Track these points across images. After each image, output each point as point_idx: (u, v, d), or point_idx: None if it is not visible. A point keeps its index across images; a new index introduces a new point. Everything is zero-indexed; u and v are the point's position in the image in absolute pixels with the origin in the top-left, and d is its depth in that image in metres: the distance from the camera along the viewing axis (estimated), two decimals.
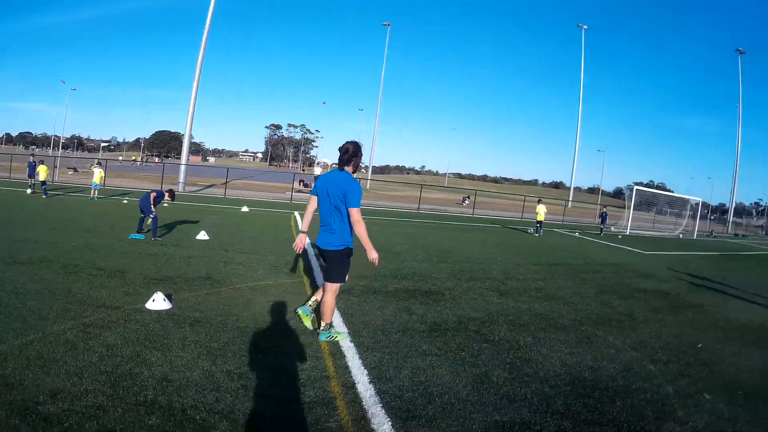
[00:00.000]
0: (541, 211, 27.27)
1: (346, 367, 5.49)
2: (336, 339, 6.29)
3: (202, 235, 13.38)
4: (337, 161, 6.08)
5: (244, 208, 23.03)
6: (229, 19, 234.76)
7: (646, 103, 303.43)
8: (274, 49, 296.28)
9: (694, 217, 50.11)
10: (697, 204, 50.49)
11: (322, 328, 6.28)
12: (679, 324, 9.84)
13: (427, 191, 61.08)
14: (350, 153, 5.99)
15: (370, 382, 5.13)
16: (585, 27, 67.80)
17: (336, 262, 6.09)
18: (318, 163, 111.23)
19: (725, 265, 23.21)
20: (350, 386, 5.00)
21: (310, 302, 6.59)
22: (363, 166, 65.93)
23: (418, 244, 17.09)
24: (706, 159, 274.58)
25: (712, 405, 5.96)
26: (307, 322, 6.50)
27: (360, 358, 5.80)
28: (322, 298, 6.29)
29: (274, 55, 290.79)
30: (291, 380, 5.04)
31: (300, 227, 6.25)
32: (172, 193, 13.38)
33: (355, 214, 5.81)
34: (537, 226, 27.36)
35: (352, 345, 6.20)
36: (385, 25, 78.90)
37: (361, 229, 5.85)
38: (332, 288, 6.19)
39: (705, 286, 15.16)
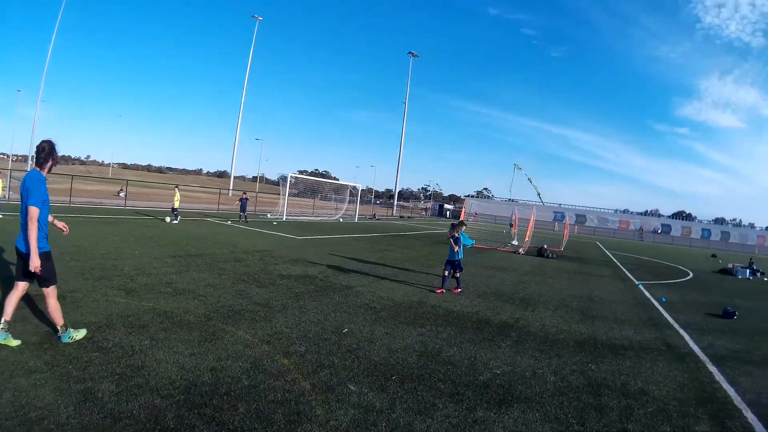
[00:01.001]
0: (177, 199, 27.86)
1: None
2: (76, 338, 6.53)
3: None
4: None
5: None
6: None
7: (314, 96, 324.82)
8: None
9: (354, 201, 53.71)
10: (356, 189, 54.21)
11: (60, 332, 6.45)
12: (322, 309, 9.75)
13: (85, 183, 57.83)
14: (46, 152, 6.13)
15: None
16: (260, 19, 70.58)
17: (25, 262, 6.06)
18: None
19: (381, 246, 25.17)
20: None
21: (1, 324, 6.25)
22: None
23: (54, 242, 14.52)
24: (373, 149, 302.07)
25: (359, 396, 5.66)
26: (12, 343, 6.27)
27: None
28: (46, 304, 6.42)
29: None
30: None
31: None
32: None
33: (31, 211, 5.90)
34: (174, 214, 27.61)
35: None
36: None
37: (32, 228, 5.91)
38: (50, 292, 6.35)
39: (357, 269, 15.77)
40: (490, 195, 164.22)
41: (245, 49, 74.16)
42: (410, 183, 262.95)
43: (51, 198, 6.55)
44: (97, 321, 7.59)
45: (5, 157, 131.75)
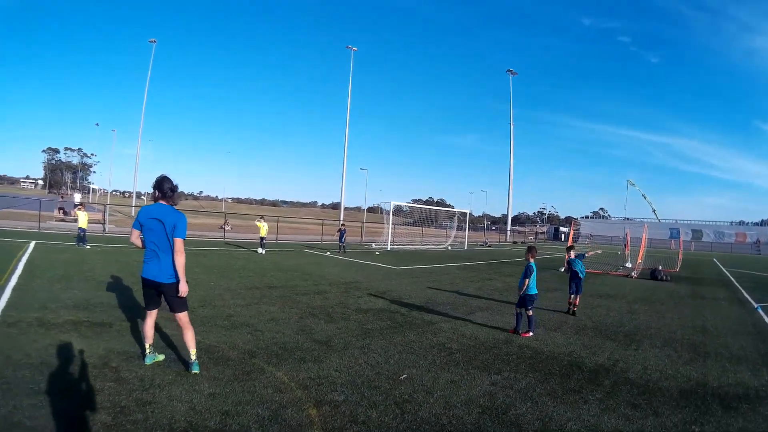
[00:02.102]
0: (263, 228, 28.74)
1: None
2: (158, 358, 7.15)
3: None
4: (153, 193, 6.76)
5: None
6: None
7: (421, 124, 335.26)
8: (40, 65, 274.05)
9: (462, 228, 52.68)
10: (464, 215, 53.34)
11: (195, 358, 6.82)
12: (388, 349, 8.72)
13: (194, 217, 62.35)
14: (175, 188, 6.78)
15: None
16: (354, 49, 71.01)
17: (174, 295, 6.71)
18: (78, 190, 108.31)
19: (484, 274, 24.05)
20: None
21: (148, 348, 7.12)
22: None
23: (134, 273, 15.13)
24: (485, 174, 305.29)
25: None
26: (159, 358, 7.26)
27: None
28: (183, 334, 6.85)
29: (42, 73, 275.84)
30: None
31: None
32: None
33: (180, 244, 6.64)
34: (262, 244, 28.36)
35: None
36: (152, 42, 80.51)
37: (181, 259, 6.66)
38: (186, 319, 6.83)
39: (447, 301, 14.67)
40: (606, 215, 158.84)
41: (346, 80, 74.96)
42: (526, 207, 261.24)
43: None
44: (134, 351, 7.50)
45: (115, 193, 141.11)
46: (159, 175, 6.82)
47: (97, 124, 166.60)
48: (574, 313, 13.56)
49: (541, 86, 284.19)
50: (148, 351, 7.07)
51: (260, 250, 27.44)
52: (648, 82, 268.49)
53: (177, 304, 6.74)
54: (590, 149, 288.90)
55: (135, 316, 9.77)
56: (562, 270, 26.80)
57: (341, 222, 36.07)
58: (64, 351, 7.27)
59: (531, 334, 10.59)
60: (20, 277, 13.14)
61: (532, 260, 10.82)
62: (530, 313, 10.72)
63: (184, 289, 6.67)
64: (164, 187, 6.67)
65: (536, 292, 10.83)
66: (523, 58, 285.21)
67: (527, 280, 10.60)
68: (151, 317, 7.03)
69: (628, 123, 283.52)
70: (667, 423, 6.18)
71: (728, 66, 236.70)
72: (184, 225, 6.70)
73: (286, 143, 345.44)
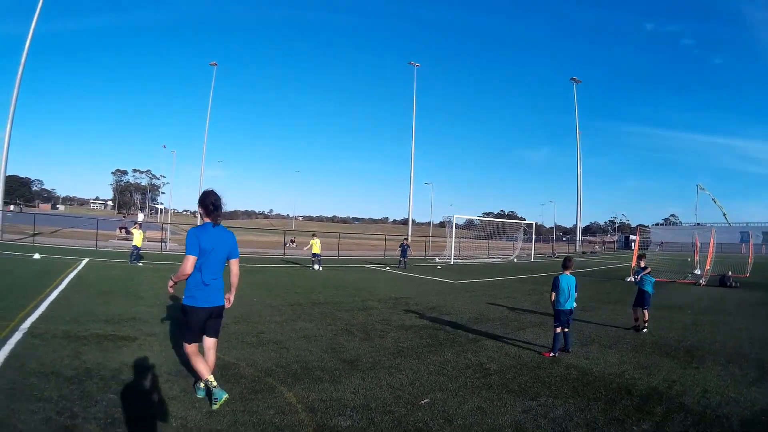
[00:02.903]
0: (316, 245, 28.57)
1: None
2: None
3: None
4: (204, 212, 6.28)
5: (36, 255, 23.77)
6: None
7: (488, 137, 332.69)
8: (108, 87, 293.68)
9: (529, 240, 52.06)
10: (530, 227, 52.75)
11: (216, 383, 6.04)
12: (417, 370, 8.10)
13: (262, 235, 67.27)
14: (216, 203, 6.26)
15: None
16: (417, 65, 71.26)
17: (221, 317, 6.47)
18: (141, 209, 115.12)
19: (546, 287, 22.63)
20: None
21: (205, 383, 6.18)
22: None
23: (175, 290, 15.54)
24: (556, 185, 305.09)
25: None
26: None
27: None
28: (208, 358, 6.30)
29: (112, 95, 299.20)
30: None
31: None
32: None
33: (238, 263, 6.59)
34: (317, 260, 28.43)
35: None
36: (212, 65, 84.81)
37: (238, 277, 6.65)
38: (216, 344, 6.50)
39: (499, 317, 13.91)
40: (677, 221, 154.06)
41: (411, 97, 73.78)
42: (597, 216, 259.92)
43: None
44: (149, 365, 7.45)
45: (186, 212, 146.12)
46: (205, 190, 6.35)
47: (164, 146, 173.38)
48: (644, 329, 12.50)
49: (606, 94, 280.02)
50: (214, 384, 5.99)
51: (316, 267, 27.59)
52: (713, 85, 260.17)
53: (219, 327, 6.47)
54: (659, 156, 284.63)
55: (162, 332, 9.73)
56: (629, 280, 25.84)
57: (405, 237, 35.82)
58: (78, 362, 7.33)
59: (552, 354, 9.52)
60: (62, 291, 13.56)
61: (566, 272, 10.14)
62: (557, 330, 9.69)
63: (232, 300, 6.60)
64: (207, 203, 6.15)
65: (571, 308, 9.92)
66: (586, 66, 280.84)
67: (554, 294, 9.89)
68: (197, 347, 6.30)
69: (696, 127, 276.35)
70: None
71: None
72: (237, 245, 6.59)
73: (356, 160, 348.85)
